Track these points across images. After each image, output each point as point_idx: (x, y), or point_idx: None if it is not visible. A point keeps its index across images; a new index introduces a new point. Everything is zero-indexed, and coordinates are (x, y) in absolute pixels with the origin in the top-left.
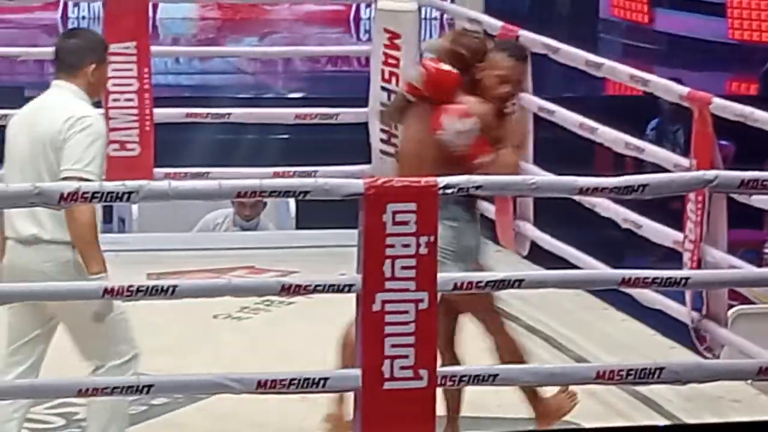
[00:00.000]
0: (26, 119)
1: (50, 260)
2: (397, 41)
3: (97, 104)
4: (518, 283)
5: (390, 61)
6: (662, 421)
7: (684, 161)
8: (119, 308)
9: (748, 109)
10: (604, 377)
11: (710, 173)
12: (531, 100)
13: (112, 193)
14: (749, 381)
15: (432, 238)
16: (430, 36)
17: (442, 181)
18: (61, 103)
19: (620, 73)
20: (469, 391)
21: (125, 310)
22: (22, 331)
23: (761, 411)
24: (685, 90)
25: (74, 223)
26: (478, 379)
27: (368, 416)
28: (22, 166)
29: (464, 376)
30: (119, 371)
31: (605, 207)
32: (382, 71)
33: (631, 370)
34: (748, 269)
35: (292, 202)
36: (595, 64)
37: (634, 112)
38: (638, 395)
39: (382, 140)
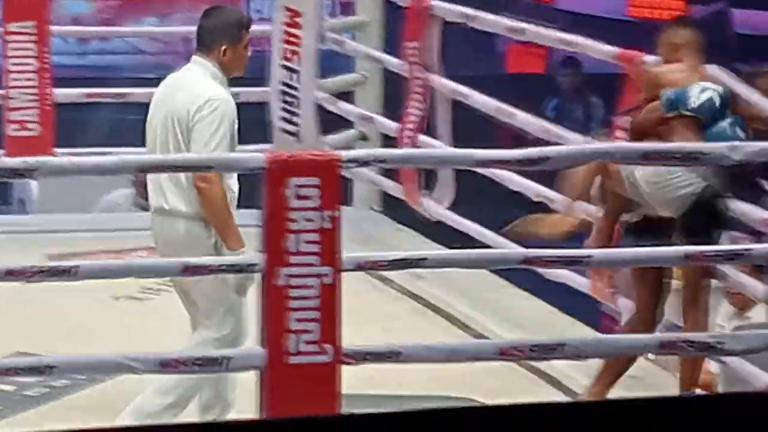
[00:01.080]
0: (163, 94)
1: (170, 230)
2: (297, 19)
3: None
4: (421, 262)
5: (291, 39)
6: (563, 398)
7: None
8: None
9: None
10: (506, 354)
11: (612, 146)
12: (442, 83)
13: (14, 169)
14: (650, 356)
15: (336, 213)
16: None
17: (345, 154)
18: (194, 82)
19: (546, 37)
20: (371, 369)
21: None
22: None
23: (662, 387)
24: (614, 50)
25: (207, 203)
26: (382, 357)
27: (274, 392)
28: (155, 139)
29: (368, 353)
30: (218, 343)
31: (517, 183)
32: (283, 50)
33: (533, 346)
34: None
35: None
36: (519, 29)
37: (533, 90)
38: (538, 372)
39: (283, 119)
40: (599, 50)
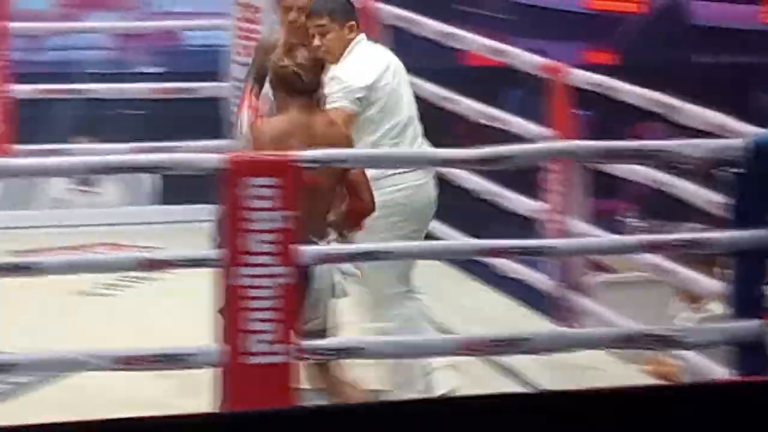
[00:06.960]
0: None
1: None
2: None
3: None
4: (385, 255)
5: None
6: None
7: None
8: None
9: (605, 79)
10: (469, 348)
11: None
12: None
13: None
14: (607, 349)
15: (292, 212)
16: None
17: (305, 155)
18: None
19: (476, 45)
20: None
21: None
22: None
23: (623, 379)
24: (539, 60)
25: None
26: (345, 352)
27: (231, 390)
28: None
29: (329, 349)
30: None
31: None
32: (237, 45)
33: (496, 341)
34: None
35: (148, 177)
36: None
37: (491, 82)
38: (497, 365)
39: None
40: (526, 61)
